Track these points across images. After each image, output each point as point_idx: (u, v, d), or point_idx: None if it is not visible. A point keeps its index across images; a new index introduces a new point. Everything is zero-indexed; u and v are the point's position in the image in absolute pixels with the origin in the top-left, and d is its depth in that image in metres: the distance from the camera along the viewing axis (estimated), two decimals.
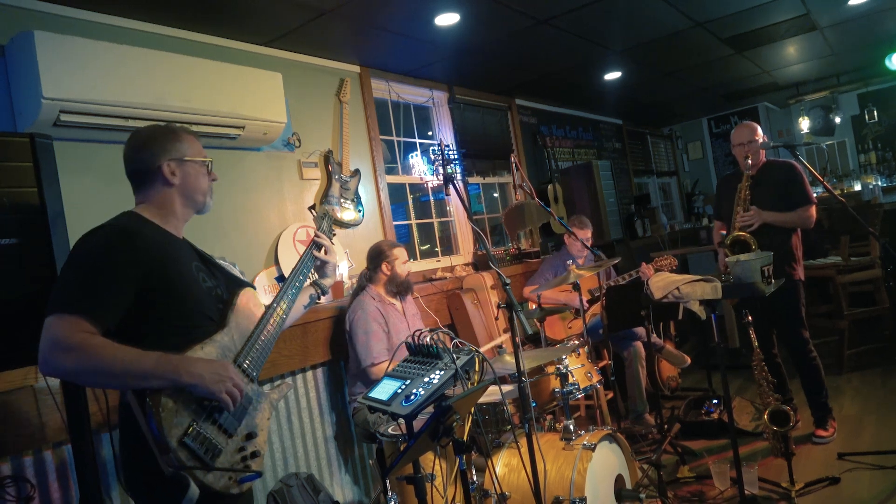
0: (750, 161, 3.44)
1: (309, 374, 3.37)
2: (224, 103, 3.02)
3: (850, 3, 4.65)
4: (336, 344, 3.43)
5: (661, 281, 2.75)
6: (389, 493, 2.46)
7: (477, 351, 1.95)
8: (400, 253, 3.30)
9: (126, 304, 1.50)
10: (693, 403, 4.22)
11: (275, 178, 3.59)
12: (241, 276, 1.99)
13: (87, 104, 2.54)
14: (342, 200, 3.90)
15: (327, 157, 3.87)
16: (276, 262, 3.48)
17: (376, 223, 4.18)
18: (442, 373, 1.89)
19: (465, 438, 2.28)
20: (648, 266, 4.30)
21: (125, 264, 1.51)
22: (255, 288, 1.85)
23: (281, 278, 3.45)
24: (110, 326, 1.47)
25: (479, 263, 4.86)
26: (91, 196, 2.74)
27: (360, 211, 4.00)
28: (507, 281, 2.14)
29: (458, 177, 4.11)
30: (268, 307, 1.80)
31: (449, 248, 5.10)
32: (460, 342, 1.99)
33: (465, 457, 1.77)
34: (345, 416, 3.54)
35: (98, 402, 2.33)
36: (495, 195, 5.81)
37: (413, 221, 4.78)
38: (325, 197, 3.82)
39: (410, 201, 4.78)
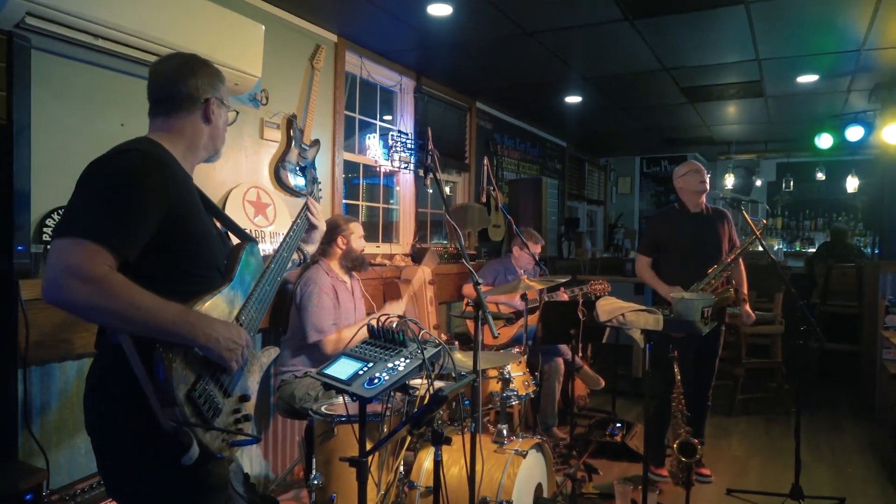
0: (702, 203, 3.64)
1: None
2: (202, 43, 2.85)
3: (798, 79, 5.03)
4: (274, 312, 3.32)
5: (608, 305, 2.86)
6: (314, 472, 2.42)
7: (443, 345, 1.95)
8: (356, 228, 3.25)
9: (147, 239, 1.37)
10: (598, 424, 4.42)
11: (235, 132, 3.42)
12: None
13: (58, 12, 2.30)
14: (298, 168, 3.78)
15: (290, 121, 3.74)
16: None
17: (327, 197, 4.08)
18: (408, 361, 1.88)
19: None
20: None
21: (157, 196, 1.39)
22: (257, 243, 1.76)
23: (224, 236, 3.30)
24: (130, 261, 1.34)
25: (416, 256, 4.85)
26: (49, 114, 2.50)
27: (312, 178, 3.89)
28: (479, 281, 2.15)
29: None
30: (266, 266, 1.74)
31: (388, 235, 5.06)
32: (427, 333, 1.99)
33: (440, 448, 1.77)
34: (266, 387, 3.43)
35: (18, 335, 2.14)
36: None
37: (362, 203, 4.71)
38: (281, 161, 3.69)
39: (361, 182, 4.70)
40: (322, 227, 2.03)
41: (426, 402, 1.60)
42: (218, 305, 1.48)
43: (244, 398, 1.57)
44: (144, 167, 1.40)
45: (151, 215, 1.38)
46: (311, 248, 2.03)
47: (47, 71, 2.52)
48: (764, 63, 4.62)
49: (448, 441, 1.74)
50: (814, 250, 8.25)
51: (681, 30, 3.94)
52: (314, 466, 2.46)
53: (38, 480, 1.81)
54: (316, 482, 2.39)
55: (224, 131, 1.70)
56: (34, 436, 2.30)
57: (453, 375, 2.03)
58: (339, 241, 3.19)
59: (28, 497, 1.73)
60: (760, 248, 3.47)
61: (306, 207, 1.97)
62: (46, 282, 1.26)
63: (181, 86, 1.58)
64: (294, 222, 1.93)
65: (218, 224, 1.75)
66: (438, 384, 2.04)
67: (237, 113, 1.75)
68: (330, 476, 2.43)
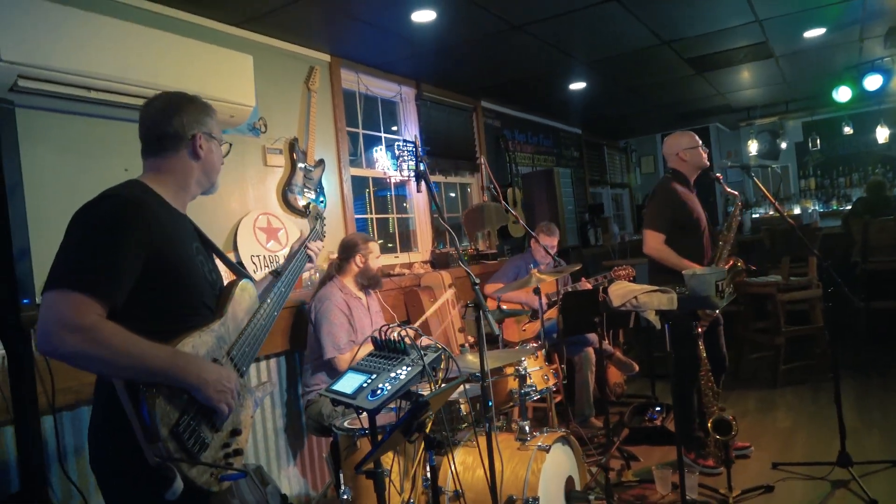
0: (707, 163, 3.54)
1: (263, 364, 3.31)
2: (192, 82, 2.93)
3: (805, 35, 4.87)
4: (293, 335, 3.38)
5: (621, 289, 2.82)
6: (343, 487, 2.45)
7: (444, 348, 1.96)
8: (374, 247, 3.30)
9: (133, 283, 1.41)
10: (637, 410, 4.35)
11: (238, 162, 3.50)
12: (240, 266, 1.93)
13: (48, 71, 2.42)
14: (305, 190, 3.84)
15: (292, 145, 3.81)
16: (235, 248, 3.40)
17: (338, 215, 4.14)
18: (409, 368, 1.89)
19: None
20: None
21: (138, 240, 1.41)
22: (253, 281, 1.79)
23: (239, 265, 3.38)
24: (117, 307, 1.37)
25: (437, 262, 4.87)
26: (48, 168, 2.61)
27: (322, 201, 3.95)
28: (477, 281, 2.16)
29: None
30: (262, 302, 1.76)
31: (407, 244, 5.09)
32: (428, 338, 2.00)
33: (434, 453, 1.77)
34: (296, 408, 3.49)
35: (43, 382, 2.23)
36: (452, 195, 5.83)
37: (373, 216, 4.75)
38: (287, 185, 3.76)
39: (372, 195, 4.75)
40: (318, 263, 2.07)
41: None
42: (206, 342, 1.50)
43: (235, 433, 1.57)
44: (121, 212, 1.42)
45: (134, 259, 1.40)
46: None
47: (48, 127, 2.63)
48: (765, 23, 4.50)
49: (441, 446, 1.75)
50: (849, 207, 7.97)
51: (671, 1, 3.87)
52: (342, 481, 2.50)
53: None
54: (346, 497, 2.42)
55: (218, 164, 1.72)
56: (71, 480, 2.39)
57: (468, 377, 2.03)
58: (357, 259, 3.24)
59: None
60: (795, 212, 3.38)
61: (306, 247, 2.01)
62: (39, 335, 1.30)
63: (166, 126, 1.60)
64: (294, 258, 1.96)
65: (218, 260, 1.78)
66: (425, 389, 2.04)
67: (230, 145, 1.78)
68: (358, 489, 2.46)
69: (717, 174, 3.51)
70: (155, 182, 1.60)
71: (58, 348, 1.30)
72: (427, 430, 1.62)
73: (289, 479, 3.44)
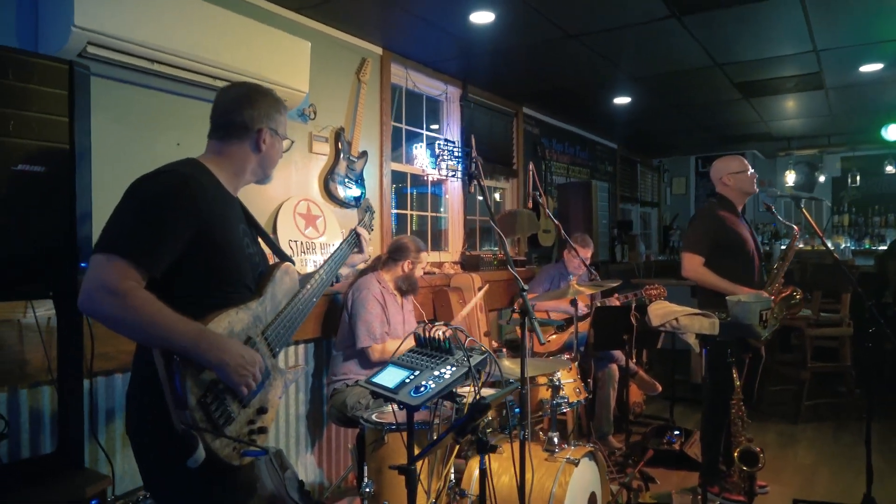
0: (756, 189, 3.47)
1: (292, 349, 3.32)
2: (252, 63, 2.95)
3: (861, 69, 4.80)
4: (326, 322, 3.39)
5: (661, 309, 2.79)
6: (366, 480, 2.45)
7: (489, 352, 1.95)
8: (424, 257, 3.35)
9: (175, 256, 1.46)
10: (655, 431, 4.31)
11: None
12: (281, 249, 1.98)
13: (117, 40, 2.44)
14: (347, 180, 3.85)
15: (338, 134, 3.82)
16: (274, 232, 3.41)
17: (376, 208, 4.14)
18: (454, 369, 1.88)
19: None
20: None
21: (183, 216, 1.47)
22: (294, 263, 1.83)
23: None
24: (156, 276, 1.44)
25: (467, 263, 4.86)
26: (107, 135, 2.63)
27: (362, 193, 3.96)
28: (525, 287, 2.14)
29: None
30: (302, 286, 1.80)
31: (437, 243, 5.08)
32: (473, 340, 1.99)
33: (486, 456, 1.76)
34: (319, 396, 3.49)
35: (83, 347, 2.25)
36: (480, 198, 5.79)
37: (411, 212, 4.75)
38: (330, 173, 3.77)
39: (410, 192, 4.75)
40: (366, 256, 2.10)
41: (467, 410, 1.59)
42: (242, 319, 1.55)
43: (262, 410, 1.62)
44: (175, 188, 1.48)
45: (179, 234, 1.46)
46: (345, 271, 2.07)
47: (107, 96, 2.65)
48: (822, 54, 4.44)
49: (493, 449, 1.74)
50: (885, 248, 7.83)
51: (731, 24, 3.82)
52: (366, 474, 2.49)
53: (102, 486, 1.89)
54: (368, 490, 2.41)
55: (276, 159, 1.76)
56: (100, 444, 2.42)
57: (502, 383, 2.02)
58: (406, 264, 3.27)
59: (94, 502, 1.82)
60: (822, 247, 3.31)
61: (356, 235, 2.04)
62: (82, 293, 1.38)
63: (237, 115, 1.67)
64: (339, 247, 1.99)
65: (263, 243, 1.83)
66: (487, 392, 2.04)
67: (292, 142, 1.83)
68: (381, 484, 2.45)
69: (767, 203, 3.45)
70: (213, 164, 1.66)
71: (97, 308, 1.38)
72: (479, 433, 1.61)
73: (305, 467, 3.45)
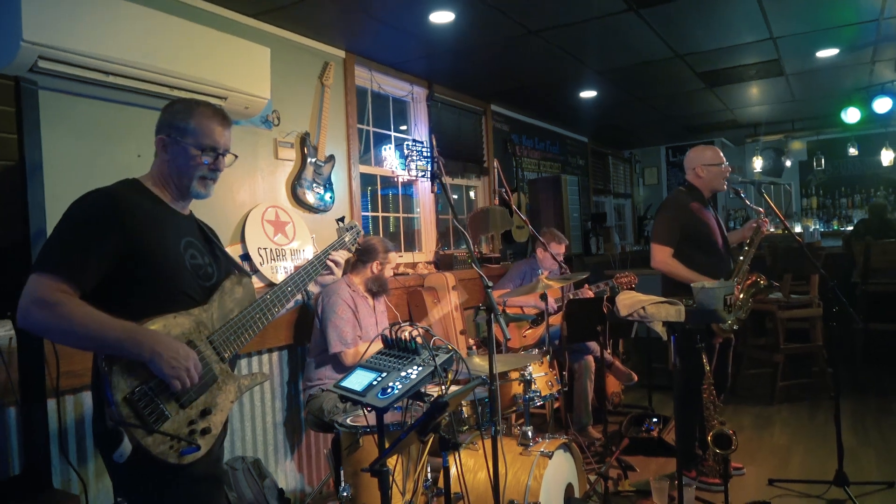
0: (725, 187, 3.52)
1: (265, 357, 3.31)
2: (209, 71, 2.93)
3: (818, 54, 4.89)
4: (298, 329, 3.37)
5: (629, 299, 2.82)
6: (343, 484, 2.45)
7: (455, 350, 1.96)
8: (393, 258, 3.32)
9: (105, 269, 1.54)
10: (634, 420, 4.35)
11: (249, 154, 3.50)
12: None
13: (69, 53, 2.40)
14: (314, 185, 3.83)
15: (304, 140, 3.80)
16: (242, 240, 3.39)
17: (345, 212, 4.13)
18: (420, 368, 1.89)
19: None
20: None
21: (105, 231, 1.54)
22: (250, 277, 1.88)
23: (245, 257, 3.37)
24: (87, 290, 1.51)
25: (441, 263, 4.87)
26: (63, 150, 2.59)
27: (330, 198, 3.94)
28: (490, 284, 2.15)
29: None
30: (261, 297, 1.82)
31: (411, 244, 5.09)
32: (439, 339, 2.00)
33: (453, 454, 1.77)
34: (296, 403, 3.48)
35: (48, 366, 2.22)
36: (455, 197, 5.81)
37: (381, 214, 4.75)
38: (297, 179, 3.75)
39: (379, 193, 4.75)
40: (337, 276, 2.11)
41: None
42: (181, 324, 1.62)
43: (206, 412, 1.63)
44: (100, 207, 1.57)
45: (105, 250, 1.54)
46: (315, 289, 2.07)
47: (63, 110, 2.62)
48: (779, 41, 4.52)
49: (457, 447, 1.74)
50: (851, 228, 8.00)
51: (689, 15, 3.88)
52: (343, 478, 2.49)
53: None
54: (346, 494, 2.41)
55: (186, 168, 1.73)
56: (71, 463, 2.38)
57: (484, 380, 2.03)
58: (374, 266, 3.26)
59: None
60: (796, 230, 3.37)
61: (327, 257, 2.06)
62: (18, 310, 1.46)
63: (156, 126, 1.74)
64: (311, 262, 1.99)
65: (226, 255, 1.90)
66: (455, 389, 2.05)
67: (235, 156, 1.83)
68: (359, 487, 2.45)
69: (736, 188, 3.49)
70: (150, 180, 1.74)
71: (31, 322, 1.47)
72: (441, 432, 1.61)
73: (285, 474, 3.43)
